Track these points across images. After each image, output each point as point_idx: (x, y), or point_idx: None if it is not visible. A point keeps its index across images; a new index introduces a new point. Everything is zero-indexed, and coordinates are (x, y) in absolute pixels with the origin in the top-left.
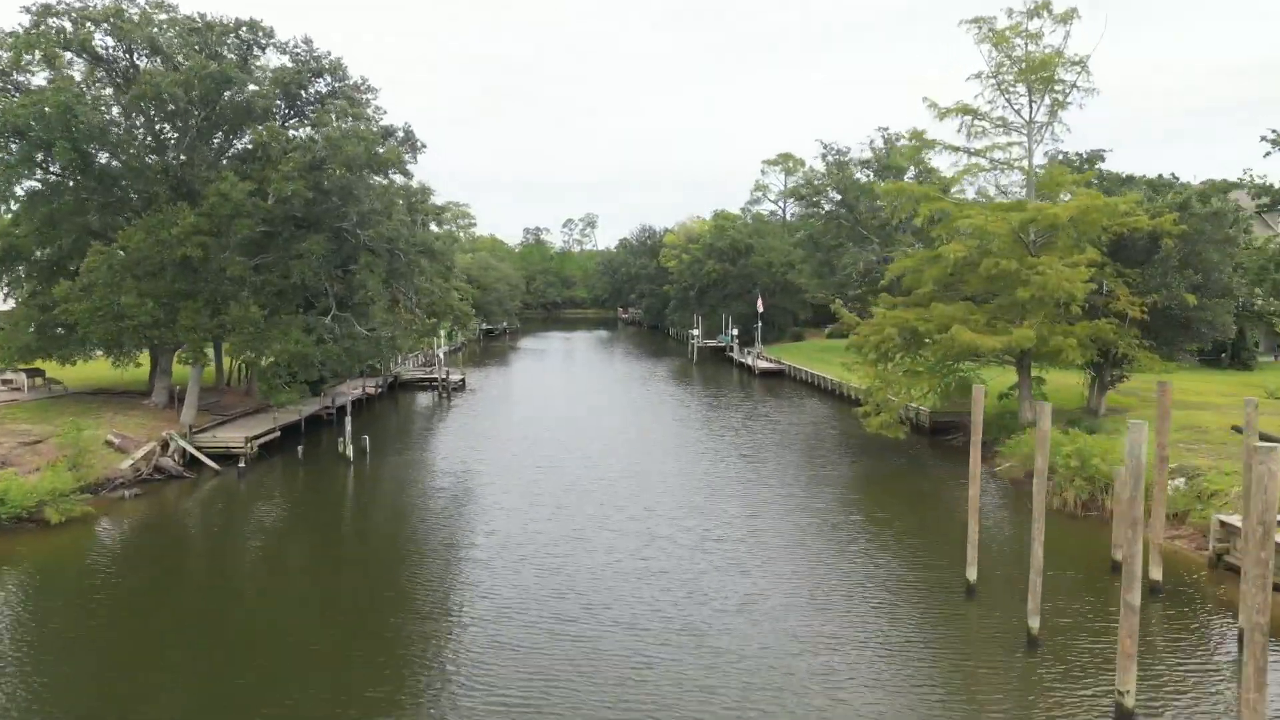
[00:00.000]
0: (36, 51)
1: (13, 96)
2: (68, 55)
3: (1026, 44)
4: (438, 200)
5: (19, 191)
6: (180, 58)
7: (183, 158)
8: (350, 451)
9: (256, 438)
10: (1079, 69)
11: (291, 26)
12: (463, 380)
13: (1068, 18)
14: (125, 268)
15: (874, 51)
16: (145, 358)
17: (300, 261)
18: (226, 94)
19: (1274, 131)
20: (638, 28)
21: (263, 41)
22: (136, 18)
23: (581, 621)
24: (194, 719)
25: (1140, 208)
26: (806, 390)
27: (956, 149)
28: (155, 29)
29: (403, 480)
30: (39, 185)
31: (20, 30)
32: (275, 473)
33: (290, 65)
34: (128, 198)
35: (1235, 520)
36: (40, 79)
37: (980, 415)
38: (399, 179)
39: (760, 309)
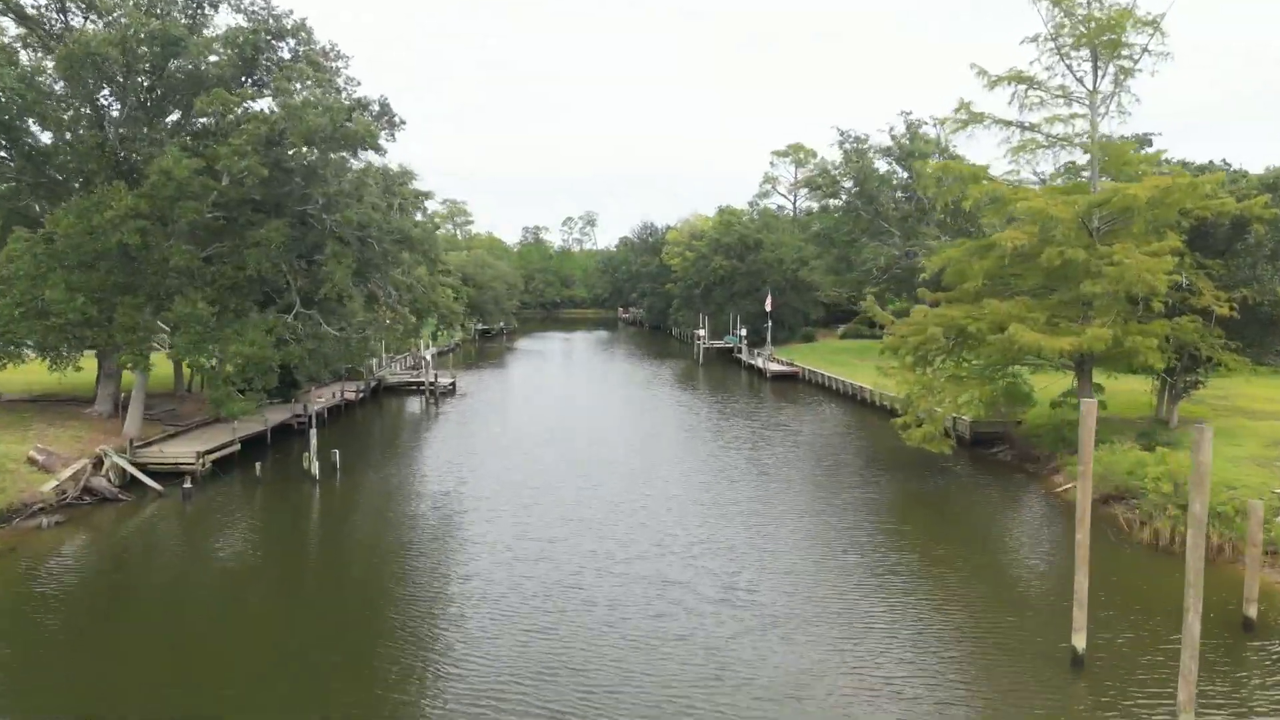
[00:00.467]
0: None
1: None
2: None
3: (1090, 1)
4: (436, 201)
5: None
6: (118, 14)
7: (122, 131)
8: (316, 468)
9: (211, 452)
10: (1152, 30)
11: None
12: (453, 384)
13: None
14: (53, 258)
15: (872, 53)
16: (92, 361)
17: (256, 250)
18: (175, 62)
19: None
20: (637, 24)
21: None
22: None
23: (577, 718)
24: None
25: (1223, 189)
26: (823, 395)
27: (1009, 123)
28: None
29: (372, 504)
30: None
31: None
32: (227, 495)
33: (246, 25)
34: (63, 179)
35: None
36: None
37: (1090, 439)
38: (375, 160)
39: (769, 308)
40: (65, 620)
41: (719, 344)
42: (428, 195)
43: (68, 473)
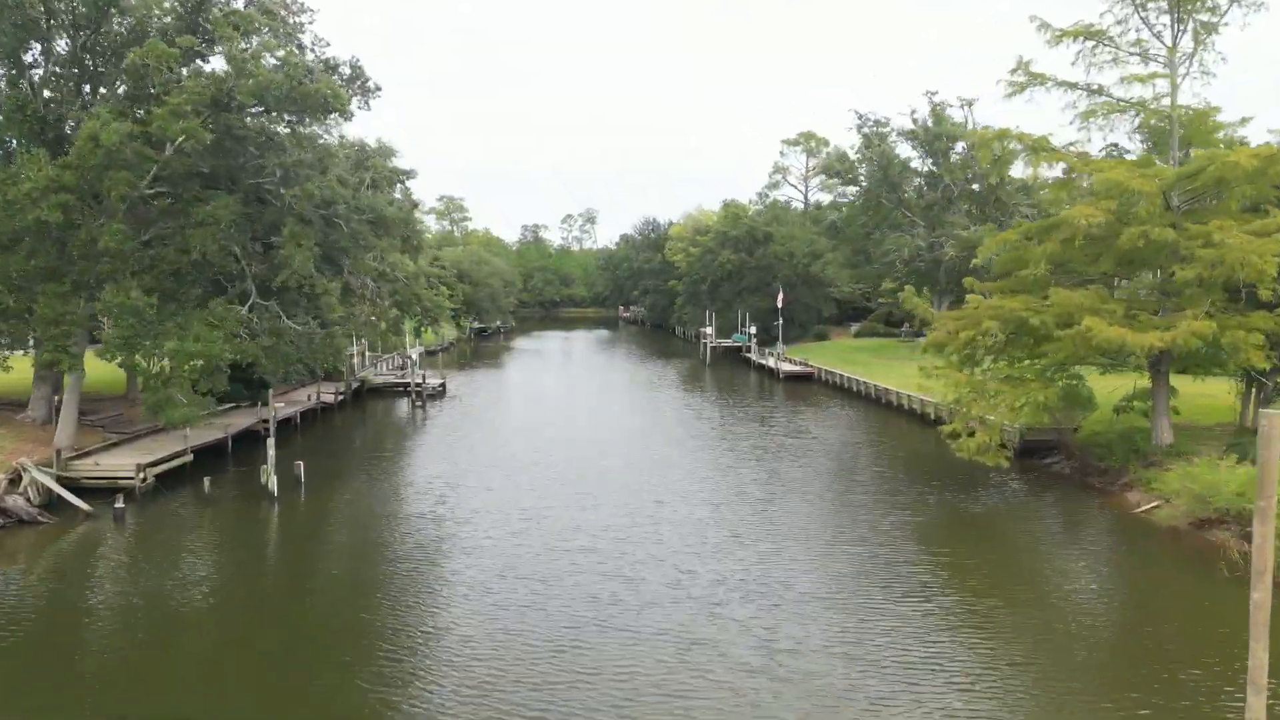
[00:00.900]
0: None
1: None
2: None
3: None
4: (434, 198)
5: None
6: None
7: (48, 94)
8: (274, 484)
9: (155, 464)
10: None
11: None
12: (442, 385)
13: None
14: None
15: (875, 51)
16: (25, 361)
17: (202, 230)
18: (118, 20)
19: None
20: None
21: None
22: None
23: None
24: None
25: None
26: (841, 397)
27: (1074, 85)
28: None
29: (334, 531)
30: None
31: None
32: (167, 516)
33: None
34: None
35: None
36: None
37: (1275, 462)
38: (350, 133)
39: (780, 304)
40: None
41: (726, 343)
42: (409, 174)
43: None
